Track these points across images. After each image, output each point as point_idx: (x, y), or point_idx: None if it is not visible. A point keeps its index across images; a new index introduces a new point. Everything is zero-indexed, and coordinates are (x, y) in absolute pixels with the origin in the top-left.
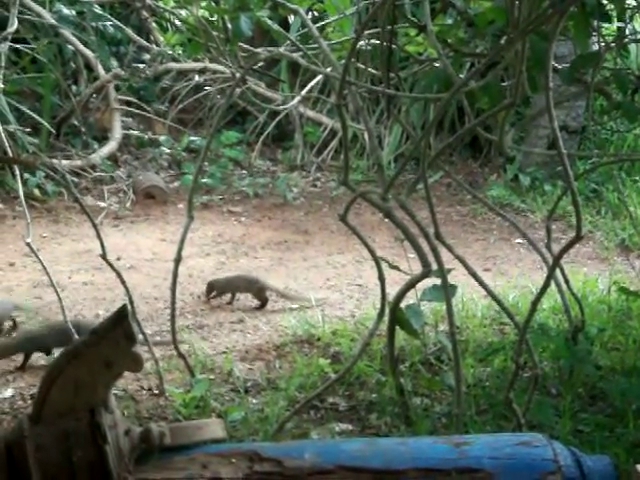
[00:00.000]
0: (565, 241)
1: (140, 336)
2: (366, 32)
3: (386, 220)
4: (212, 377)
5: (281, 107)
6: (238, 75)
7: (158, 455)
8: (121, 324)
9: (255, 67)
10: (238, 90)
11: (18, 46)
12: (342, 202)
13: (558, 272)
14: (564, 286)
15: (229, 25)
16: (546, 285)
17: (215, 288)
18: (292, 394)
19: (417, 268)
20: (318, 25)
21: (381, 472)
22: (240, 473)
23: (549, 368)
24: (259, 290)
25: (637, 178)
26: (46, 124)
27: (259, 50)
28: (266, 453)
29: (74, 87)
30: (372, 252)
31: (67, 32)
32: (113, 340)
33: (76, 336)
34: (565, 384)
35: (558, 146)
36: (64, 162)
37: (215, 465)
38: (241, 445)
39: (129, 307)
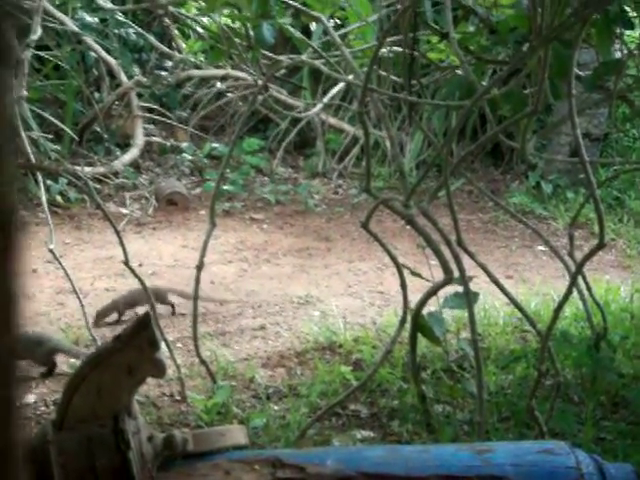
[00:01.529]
0: (587, 249)
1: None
2: (388, 39)
3: (407, 227)
4: (234, 384)
5: (303, 114)
6: (260, 82)
7: (181, 461)
8: (144, 330)
9: (277, 74)
10: (260, 97)
11: (41, 53)
12: (363, 209)
13: (580, 280)
14: (586, 294)
15: (251, 32)
16: (568, 293)
17: (116, 309)
18: (314, 401)
19: (439, 275)
20: (340, 33)
21: (403, 479)
22: None
23: (571, 376)
24: (159, 298)
25: None
26: (69, 131)
27: (281, 57)
28: (288, 460)
29: (96, 94)
30: (394, 259)
31: (90, 39)
32: (136, 346)
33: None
34: (587, 392)
35: (580, 153)
36: (86, 169)
37: (238, 472)
38: (263, 452)
39: (151, 313)
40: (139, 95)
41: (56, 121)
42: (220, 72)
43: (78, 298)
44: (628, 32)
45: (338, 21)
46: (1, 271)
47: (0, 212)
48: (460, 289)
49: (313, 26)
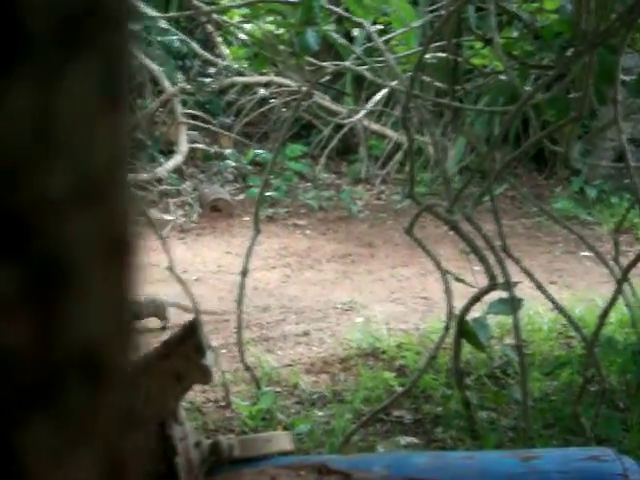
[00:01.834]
0: (632, 254)
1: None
2: (431, 45)
3: (450, 233)
4: (278, 389)
5: (346, 120)
6: (304, 89)
7: (227, 467)
8: (191, 337)
9: (320, 80)
10: (304, 103)
11: None
12: (406, 215)
13: (626, 285)
14: (632, 299)
15: (296, 39)
16: (614, 298)
17: None
18: (357, 407)
19: (482, 281)
20: (383, 38)
21: None
22: None
23: (616, 382)
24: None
25: None
26: None
27: (325, 64)
28: (334, 466)
29: (139, 101)
30: (438, 265)
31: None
32: (183, 353)
33: None
34: (633, 398)
35: (626, 159)
36: (130, 175)
37: (284, 478)
38: (309, 457)
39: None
40: (183, 102)
41: None
42: (263, 78)
43: None
44: None
45: (381, 27)
46: (118, 292)
47: (121, 233)
48: (504, 295)
49: (355, 32)
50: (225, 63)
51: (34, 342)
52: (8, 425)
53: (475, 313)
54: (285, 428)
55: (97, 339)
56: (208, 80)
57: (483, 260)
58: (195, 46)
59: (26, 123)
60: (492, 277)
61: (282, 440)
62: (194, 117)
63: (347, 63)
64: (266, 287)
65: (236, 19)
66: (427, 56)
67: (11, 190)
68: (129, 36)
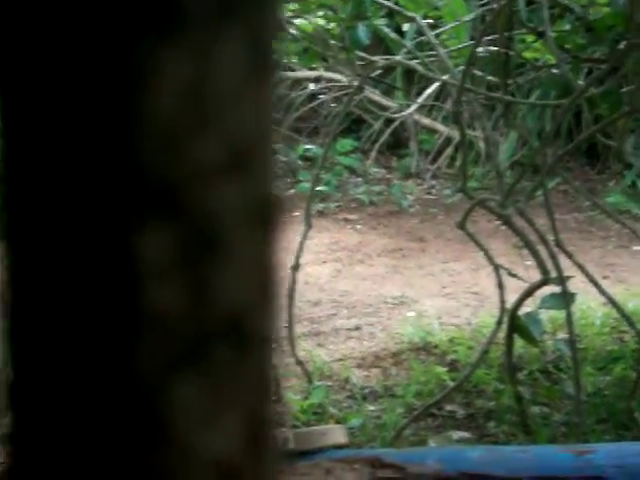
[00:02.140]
0: None
1: None
2: (483, 38)
3: (502, 227)
4: (329, 384)
5: (397, 115)
6: (356, 83)
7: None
8: None
9: (371, 75)
10: (355, 98)
11: None
12: (457, 210)
13: None
14: None
15: (346, 33)
16: None
17: None
18: (409, 401)
19: (534, 275)
20: (434, 32)
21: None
22: (363, 479)
23: None
24: None
25: None
26: None
27: (376, 58)
28: (388, 459)
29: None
30: (491, 259)
31: None
32: None
33: None
34: None
35: None
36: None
37: (338, 471)
38: (362, 451)
39: None
40: None
41: None
42: (313, 73)
43: None
44: None
45: (431, 21)
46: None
47: (265, 202)
48: (557, 289)
49: (405, 26)
50: None
51: (185, 306)
52: (158, 386)
53: (527, 308)
54: (337, 422)
55: (243, 305)
56: None
57: (535, 254)
58: None
59: (182, 93)
60: (545, 271)
61: (337, 433)
62: None
63: (398, 57)
64: (317, 282)
65: (287, 14)
66: (478, 50)
67: (166, 159)
68: (275, 9)
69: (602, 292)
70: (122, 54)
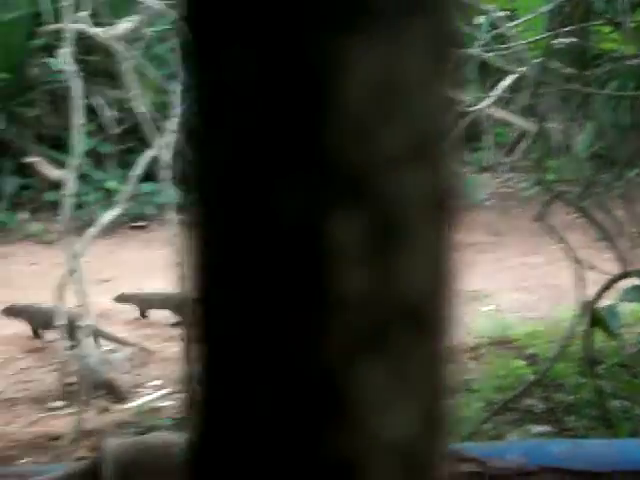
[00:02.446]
0: None
1: None
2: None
3: (580, 220)
4: None
5: (471, 108)
6: None
7: None
8: None
9: None
10: None
11: None
12: (533, 203)
13: None
14: None
15: None
16: None
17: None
18: (488, 396)
19: (614, 268)
20: (509, 25)
21: (586, 474)
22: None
23: None
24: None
25: None
26: None
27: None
28: (469, 453)
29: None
30: (570, 252)
31: None
32: None
33: None
34: None
35: None
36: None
37: None
38: None
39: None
40: None
41: None
42: None
43: None
44: None
45: (503, 13)
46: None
47: (444, 192)
48: (638, 282)
49: (480, 19)
50: None
51: (371, 289)
52: (343, 369)
53: (607, 301)
54: None
55: (423, 291)
56: None
57: (615, 247)
58: None
59: (372, 85)
60: (624, 264)
61: None
62: None
63: (473, 50)
64: None
65: None
66: (554, 41)
67: (356, 148)
68: (454, 6)
69: None
70: (318, 49)
